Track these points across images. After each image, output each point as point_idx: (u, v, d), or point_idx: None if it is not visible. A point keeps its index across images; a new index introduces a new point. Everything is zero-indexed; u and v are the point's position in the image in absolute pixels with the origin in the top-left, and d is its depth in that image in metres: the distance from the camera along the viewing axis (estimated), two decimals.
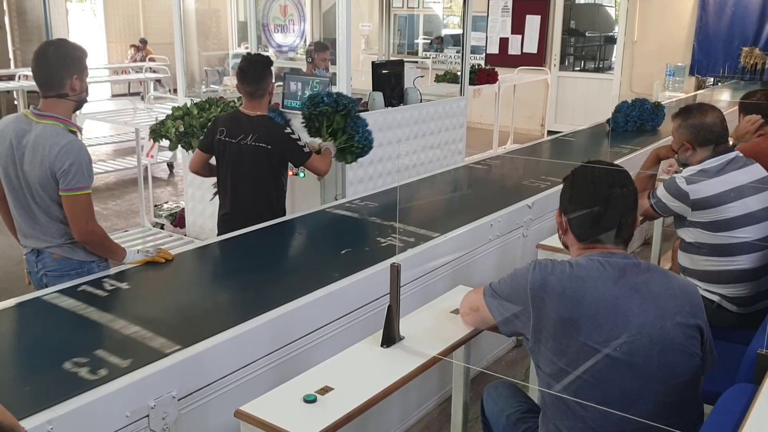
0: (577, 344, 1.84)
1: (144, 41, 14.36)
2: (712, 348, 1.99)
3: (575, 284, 1.87)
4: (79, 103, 2.84)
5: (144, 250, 2.98)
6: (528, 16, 11.08)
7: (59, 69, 2.72)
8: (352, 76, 4.93)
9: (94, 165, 2.89)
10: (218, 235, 3.66)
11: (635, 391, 1.84)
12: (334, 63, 5.23)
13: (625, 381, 1.83)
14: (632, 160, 5.10)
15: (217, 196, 3.93)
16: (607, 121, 6.53)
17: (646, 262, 1.98)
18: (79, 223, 2.71)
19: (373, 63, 5.55)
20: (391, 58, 7.30)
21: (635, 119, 6.22)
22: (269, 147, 3.63)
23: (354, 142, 4.15)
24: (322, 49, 6.26)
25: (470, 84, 6.95)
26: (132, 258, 2.91)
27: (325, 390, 1.91)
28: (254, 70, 3.67)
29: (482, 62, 10.81)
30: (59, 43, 2.84)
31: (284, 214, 3.78)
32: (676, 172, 3.28)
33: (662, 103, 6.69)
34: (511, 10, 11.22)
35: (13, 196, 2.81)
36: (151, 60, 12.57)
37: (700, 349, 1.91)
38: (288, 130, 3.74)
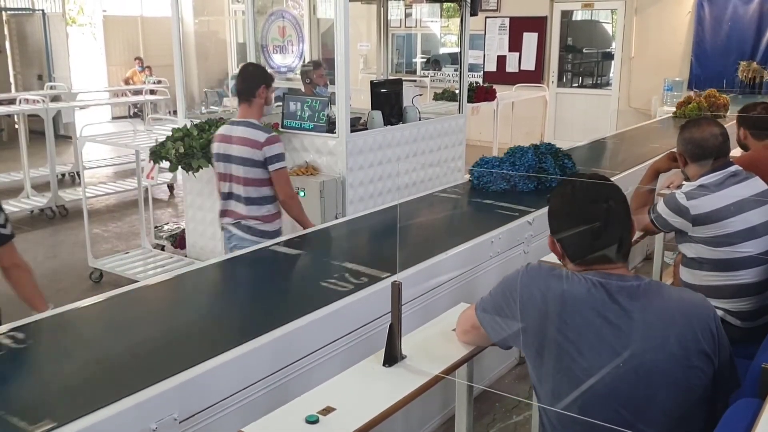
0: (561, 368, 1.76)
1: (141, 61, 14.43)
2: (731, 369, 1.86)
3: (558, 306, 1.77)
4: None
5: None
6: (525, 34, 11.16)
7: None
8: (351, 95, 4.95)
9: (93, 187, 2.94)
10: None
11: (621, 423, 1.70)
12: (332, 82, 5.26)
13: (607, 413, 1.72)
14: (632, 175, 5.11)
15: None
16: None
17: (647, 282, 1.82)
18: None
19: (371, 82, 5.58)
20: (390, 77, 7.33)
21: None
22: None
23: None
24: (318, 66, 6.31)
25: (468, 102, 6.97)
26: None
27: (327, 410, 1.89)
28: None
29: (480, 80, 10.86)
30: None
31: None
32: (677, 187, 3.27)
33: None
34: (508, 28, 11.30)
35: None
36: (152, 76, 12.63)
37: (703, 378, 1.78)
38: None
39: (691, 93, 7.72)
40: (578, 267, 1.87)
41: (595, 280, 1.78)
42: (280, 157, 3.64)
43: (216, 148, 3.79)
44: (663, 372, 1.73)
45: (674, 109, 8.23)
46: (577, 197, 1.88)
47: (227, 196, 3.77)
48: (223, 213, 3.81)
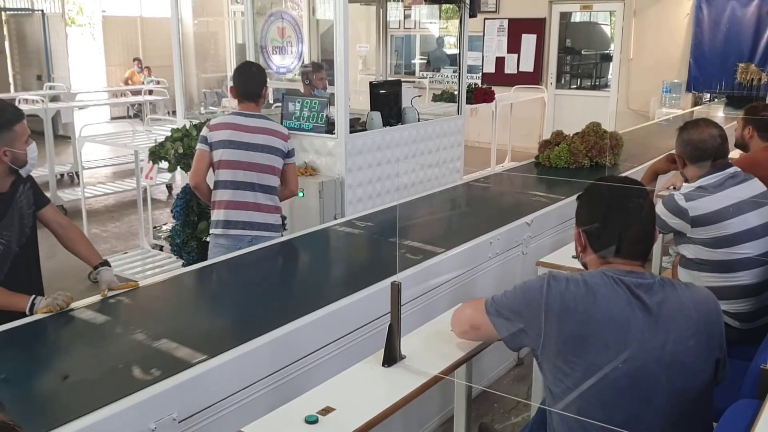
0: (584, 363, 1.81)
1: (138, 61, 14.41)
2: (725, 362, 1.96)
3: (588, 301, 1.84)
4: None
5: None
6: (524, 35, 11.17)
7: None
8: (350, 97, 4.96)
9: (92, 187, 3.01)
10: None
11: (641, 416, 1.81)
12: (331, 83, 5.25)
13: (629, 404, 1.81)
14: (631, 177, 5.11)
15: None
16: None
17: (662, 279, 1.92)
18: None
19: (370, 83, 5.58)
20: (389, 78, 7.33)
21: None
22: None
23: None
24: (319, 69, 6.30)
25: (467, 103, 6.97)
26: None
27: (326, 411, 1.89)
28: None
29: (479, 81, 10.87)
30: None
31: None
32: (675, 189, 3.27)
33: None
34: (506, 30, 11.31)
35: None
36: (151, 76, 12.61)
37: (713, 369, 1.89)
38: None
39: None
40: (599, 260, 1.97)
41: (616, 277, 1.87)
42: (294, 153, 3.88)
43: (225, 135, 3.66)
44: (682, 364, 1.82)
45: (676, 111, 8.10)
46: (611, 195, 1.99)
47: (239, 186, 3.65)
48: (234, 205, 3.65)
